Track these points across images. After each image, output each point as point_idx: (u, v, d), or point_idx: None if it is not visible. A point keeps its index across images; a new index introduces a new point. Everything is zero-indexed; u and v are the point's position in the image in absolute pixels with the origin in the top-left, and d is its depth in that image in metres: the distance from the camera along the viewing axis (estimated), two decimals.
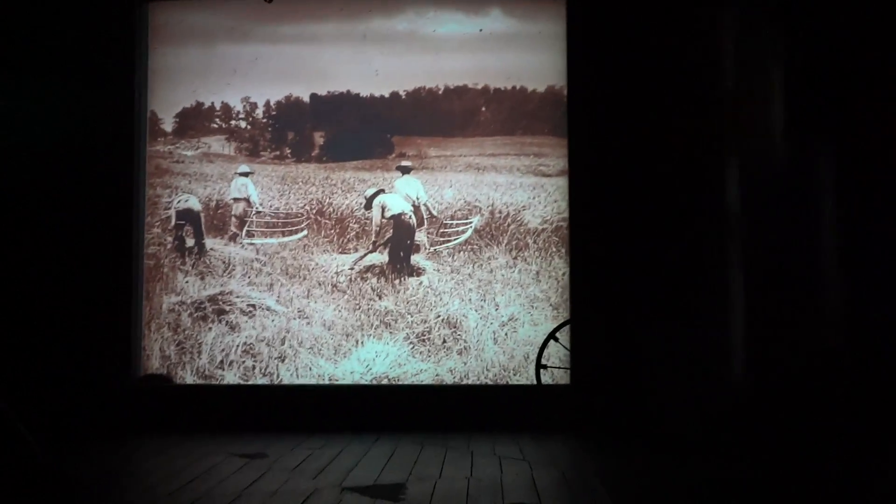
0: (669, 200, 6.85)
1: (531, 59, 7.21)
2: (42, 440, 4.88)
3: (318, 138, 7.25)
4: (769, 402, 6.16)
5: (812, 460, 5.33)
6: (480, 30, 7.22)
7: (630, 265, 6.91)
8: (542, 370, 6.92)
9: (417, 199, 7.15)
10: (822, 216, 6.21)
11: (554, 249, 7.08)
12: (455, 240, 7.11)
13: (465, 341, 7.01)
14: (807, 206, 6.26)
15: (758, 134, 6.53)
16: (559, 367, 6.95)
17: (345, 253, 7.12)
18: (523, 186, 7.16)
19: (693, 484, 4.84)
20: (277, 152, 7.24)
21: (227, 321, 7.04)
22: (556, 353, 6.98)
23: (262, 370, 7.01)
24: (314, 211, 7.16)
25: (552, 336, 6.92)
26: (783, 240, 6.30)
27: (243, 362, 7.01)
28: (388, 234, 7.14)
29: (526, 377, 6.99)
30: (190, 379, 7.03)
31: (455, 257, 7.08)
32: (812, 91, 6.29)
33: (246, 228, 7.15)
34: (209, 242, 7.13)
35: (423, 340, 7.01)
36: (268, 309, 7.07)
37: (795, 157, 6.32)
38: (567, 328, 6.94)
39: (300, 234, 7.14)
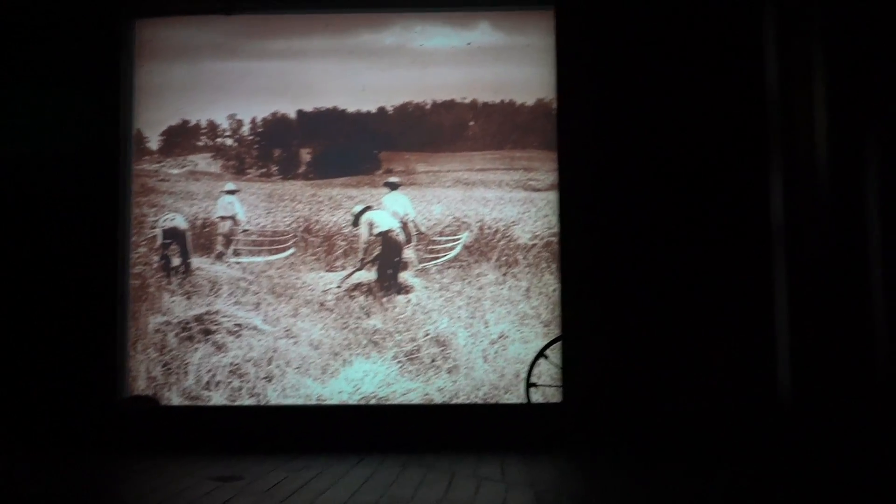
0: (681, 212, 6.71)
1: (520, 73, 7.10)
2: (21, 459, 4.80)
3: (305, 155, 7.16)
4: (815, 416, 5.97)
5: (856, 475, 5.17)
6: (468, 43, 7.13)
7: (631, 281, 6.76)
8: (532, 388, 6.76)
9: (405, 215, 7.04)
10: (868, 227, 5.97)
11: (544, 265, 6.93)
12: (444, 256, 6.99)
13: (455, 360, 6.88)
14: (852, 217, 6.03)
15: (801, 143, 6.32)
16: (550, 386, 6.79)
17: (332, 271, 7.02)
18: (513, 201, 7.03)
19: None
20: (264, 169, 7.16)
21: (213, 341, 6.95)
22: (548, 371, 6.83)
23: (249, 391, 6.90)
24: (301, 228, 7.07)
25: (542, 354, 6.77)
26: (827, 252, 6.09)
27: (230, 383, 6.91)
28: (376, 252, 7.02)
29: (517, 396, 6.83)
30: (176, 400, 6.93)
31: (444, 274, 6.96)
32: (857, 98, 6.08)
33: (232, 247, 7.06)
34: (195, 261, 7.05)
35: (412, 359, 6.88)
36: (254, 328, 6.97)
37: (839, 166, 6.10)
38: (558, 345, 6.78)
39: (287, 253, 7.05)
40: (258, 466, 5.89)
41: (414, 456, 6.27)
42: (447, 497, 4.79)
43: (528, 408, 6.74)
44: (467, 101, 7.11)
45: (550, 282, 6.92)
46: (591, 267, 6.82)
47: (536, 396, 6.80)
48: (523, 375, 6.80)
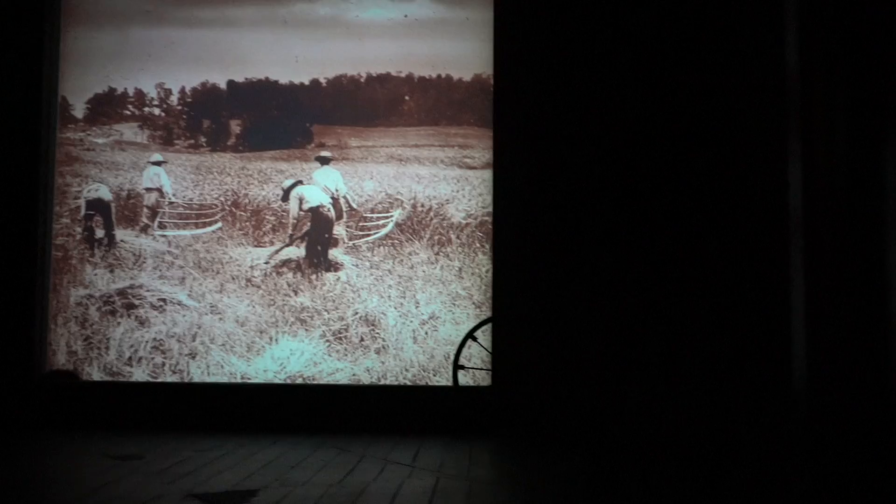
0: (638, 198, 6.55)
1: (458, 47, 6.90)
2: None
3: (235, 127, 6.96)
4: (830, 410, 5.80)
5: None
6: (405, 15, 6.92)
7: (570, 265, 6.60)
8: (460, 371, 6.59)
9: (337, 191, 6.85)
10: (887, 217, 5.74)
11: (478, 245, 6.75)
12: (375, 234, 6.80)
13: (384, 340, 6.71)
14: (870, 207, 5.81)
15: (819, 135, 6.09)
16: (479, 369, 6.62)
17: (260, 246, 6.83)
18: (447, 179, 6.85)
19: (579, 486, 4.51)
20: (192, 141, 6.95)
21: (136, 316, 6.77)
22: (480, 354, 6.65)
23: (172, 367, 6.73)
24: (229, 202, 6.87)
25: (470, 335, 6.59)
26: (845, 243, 5.88)
27: (152, 359, 6.74)
28: (306, 228, 6.84)
29: (446, 378, 6.67)
30: (97, 375, 6.76)
31: (375, 252, 6.78)
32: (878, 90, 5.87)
33: (158, 220, 6.87)
34: (119, 234, 6.85)
35: (340, 338, 6.71)
36: (179, 304, 6.78)
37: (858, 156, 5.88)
38: (488, 327, 6.61)
39: (214, 227, 6.86)
40: (167, 445, 5.72)
41: (333, 437, 6.11)
42: (344, 481, 4.63)
43: (455, 391, 6.57)
44: (403, 74, 6.91)
45: (484, 262, 6.75)
46: (525, 248, 6.66)
47: (467, 379, 6.63)
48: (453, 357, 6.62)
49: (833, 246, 5.93)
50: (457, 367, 6.60)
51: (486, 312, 6.73)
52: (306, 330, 6.73)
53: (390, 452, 5.56)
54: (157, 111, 6.97)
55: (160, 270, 6.82)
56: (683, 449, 5.92)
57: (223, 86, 6.97)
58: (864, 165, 5.86)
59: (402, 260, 6.78)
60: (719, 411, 6.30)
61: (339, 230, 6.83)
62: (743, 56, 6.61)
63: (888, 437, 5.48)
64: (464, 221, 6.79)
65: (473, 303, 6.72)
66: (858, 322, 5.77)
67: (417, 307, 6.74)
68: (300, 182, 6.86)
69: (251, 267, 6.81)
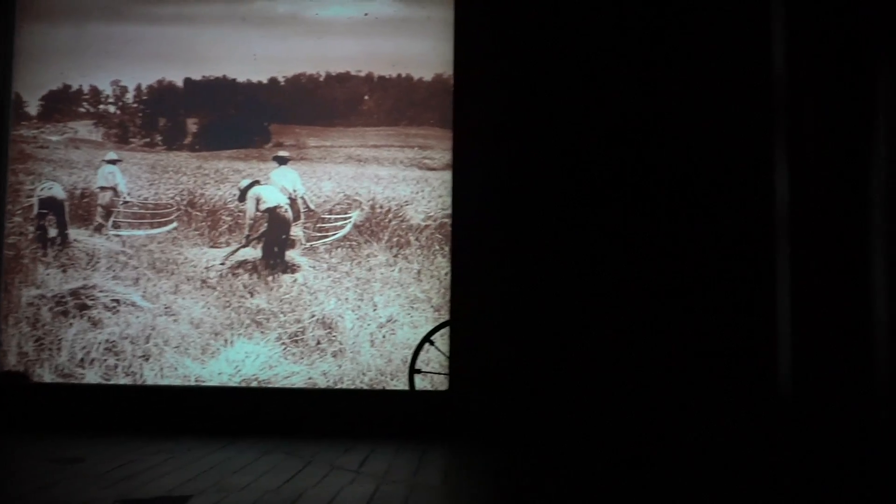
0: (605, 202, 6.48)
1: (419, 46, 6.81)
2: None
3: (192, 125, 6.86)
4: (815, 410, 5.73)
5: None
6: (366, 14, 6.84)
7: (531, 269, 6.51)
8: (417, 375, 6.49)
9: (294, 191, 6.75)
10: (872, 219, 5.70)
11: (437, 247, 6.67)
12: (333, 235, 6.71)
13: (341, 343, 6.61)
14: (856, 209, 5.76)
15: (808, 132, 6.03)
16: (436, 373, 6.53)
17: (216, 247, 6.72)
18: (407, 180, 6.75)
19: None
20: (148, 139, 6.85)
21: (89, 317, 6.65)
22: (438, 358, 6.56)
23: (125, 369, 6.62)
24: (185, 202, 6.77)
25: (427, 339, 6.50)
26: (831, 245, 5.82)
27: (105, 361, 6.62)
28: (263, 228, 6.74)
29: (404, 382, 6.58)
30: (48, 377, 6.64)
31: (332, 254, 6.69)
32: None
33: (112, 219, 6.75)
34: (73, 233, 6.74)
35: (296, 341, 6.61)
36: (133, 305, 6.67)
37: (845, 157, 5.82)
38: (447, 330, 6.52)
39: (169, 227, 6.75)
40: (113, 448, 5.62)
41: (286, 441, 6.00)
42: (283, 487, 4.54)
43: (411, 395, 6.47)
44: (363, 74, 6.82)
45: (443, 265, 6.66)
46: (485, 251, 6.56)
47: (424, 384, 6.53)
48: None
49: (819, 249, 5.89)
50: (413, 371, 6.51)
51: (445, 316, 6.64)
52: (262, 332, 6.63)
53: (339, 457, 5.47)
54: (112, 109, 6.87)
55: (114, 271, 6.71)
56: (652, 451, 5.84)
57: (180, 84, 6.87)
58: (850, 169, 5.82)
59: (359, 262, 6.69)
60: (703, 413, 6.23)
61: (296, 231, 6.73)
62: (725, 54, 6.53)
63: (873, 438, 5.45)
64: (423, 223, 6.70)
65: (432, 306, 6.63)
66: (843, 324, 5.74)
67: (375, 310, 6.65)
68: (257, 182, 6.76)
69: (207, 268, 6.70)
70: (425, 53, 6.82)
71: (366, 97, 6.85)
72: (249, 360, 6.63)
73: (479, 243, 6.57)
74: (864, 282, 5.76)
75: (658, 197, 6.57)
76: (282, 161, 6.77)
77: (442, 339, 6.55)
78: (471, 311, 6.55)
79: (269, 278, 6.69)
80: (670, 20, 6.59)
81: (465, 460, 5.58)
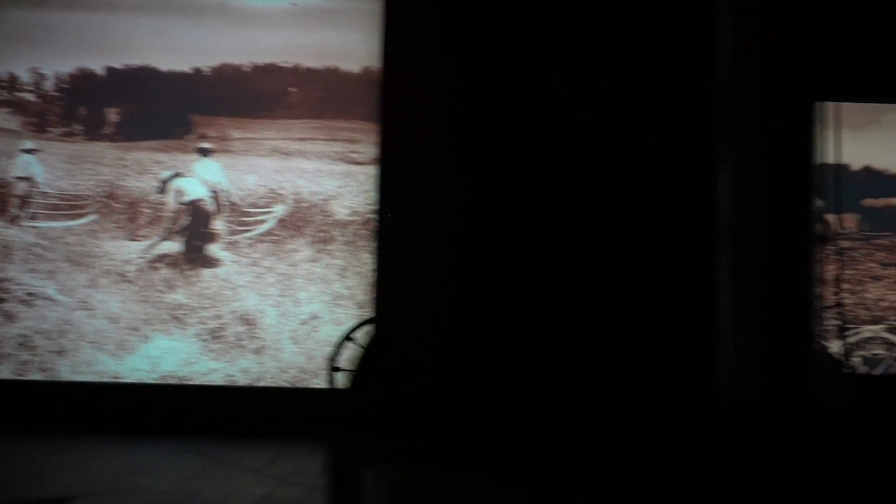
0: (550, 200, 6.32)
1: (347, 38, 6.68)
2: None
3: (112, 115, 6.68)
4: (756, 412, 5.64)
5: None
6: (293, 4, 6.69)
7: (459, 267, 6.37)
8: (337, 373, 6.34)
9: (217, 184, 6.61)
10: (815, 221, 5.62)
11: (362, 244, 6.53)
12: (255, 229, 6.55)
13: (262, 340, 6.47)
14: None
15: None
16: (356, 371, 6.38)
17: (135, 240, 6.55)
18: (332, 174, 6.62)
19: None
20: (66, 128, 6.66)
21: (2, 310, 6.46)
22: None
23: (39, 365, 6.43)
24: (104, 193, 6.59)
25: (348, 336, 6.34)
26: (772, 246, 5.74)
27: (18, 356, 6.42)
28: (184, 222, 6.56)
29: (327, 380, 6.41)
30: None
31: (255, 248, 6.54)
32: None
33: (28, 210, 6.55)
34: None
35: (217, 337, 6.45)
36: (48, 298, 6.48)
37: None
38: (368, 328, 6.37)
39: (87, 219, 6.57)
40: (16, 447, 5.44)
41: (201, 440, 5.85)
42: (177, 488, 4.39)
43: (331, 393, 6.32)
44: (289, 65, 6.68)
45: (368, 261, 6.51)
46: (411, 248, 6.41)
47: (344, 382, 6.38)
48: None
49: (761, 252, 5.82)
50: (333, 368, 6.36)
51: (370, 313, 6.49)
52: (181, 328, 6.47)
53: (247, 457, 5.34)
54: (30, 97, 6.67)
55: (29, 263, 6.53)
56: (582, 452, 5.74)
57: (101, 72, 6.69)
58: (795, 172, 5.75)
59: (282, 257, 6.55)
60: (637, 415, 6.13)
61: (218, 225, 6.58)
62: (667, 52, 6.44)
63: (813, 442, 5.39)
64: (348, 218, 6.57)
65: (356, 303, 6.51)
66: (785, 328, 5.67)
67: (298, 306, 6.52)
68: (179, 174, 6.61)
69: (125, 261, 6.54)
70: (353, 45, 6.68)
71: (292, 89, 6.70)
72: (168, 357, 6.47)
73: (406, 239, 6.42)
74: (804, 288, 5.70)
75: (597, 196, 6.47)
76: (204, 153, 6.62)
77: (365, 336, 6.40)
78: (395, 309, 6.40)
79: (190, 273, 6.54)
80: (620, 18, 6.50)
81: (379, 461, 5.44)
